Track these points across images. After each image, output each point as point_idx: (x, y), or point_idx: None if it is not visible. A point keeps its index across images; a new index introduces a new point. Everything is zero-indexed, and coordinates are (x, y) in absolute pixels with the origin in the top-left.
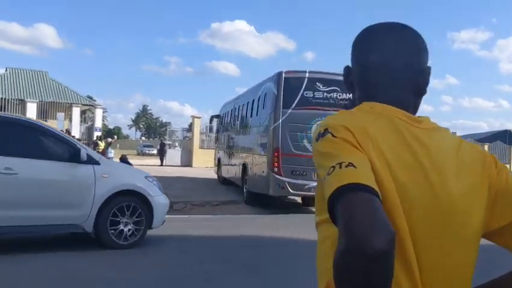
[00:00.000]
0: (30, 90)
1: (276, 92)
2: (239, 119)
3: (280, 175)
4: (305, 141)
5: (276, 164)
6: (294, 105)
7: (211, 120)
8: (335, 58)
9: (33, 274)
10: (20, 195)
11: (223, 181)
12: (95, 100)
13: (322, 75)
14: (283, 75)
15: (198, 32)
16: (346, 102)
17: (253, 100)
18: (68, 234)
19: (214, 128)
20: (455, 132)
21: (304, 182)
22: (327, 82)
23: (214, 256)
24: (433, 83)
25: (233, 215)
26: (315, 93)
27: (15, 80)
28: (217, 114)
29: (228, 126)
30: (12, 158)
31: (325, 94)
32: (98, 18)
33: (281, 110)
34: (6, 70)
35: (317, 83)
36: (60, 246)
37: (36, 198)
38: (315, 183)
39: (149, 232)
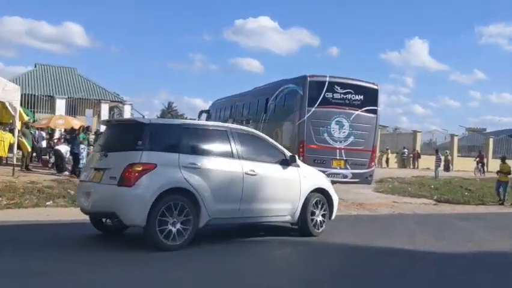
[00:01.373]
0: (59, 87)
1: (302, 93)
2: (246, 114)
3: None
4: (325, 134)
5: (301, 154)
6: (317, 104)
7: (199, 115)
8: (359, 54)
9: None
10: (259, 192)
11: None
12: (122, 97)
13: (339, 80)
14: (308, 79)
15: (222, 29)
16: (358, 102)
17: (268, 99)
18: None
19: None
20: (485, 128)
21: (324, 169)
22: (343, 86)
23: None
24: (461, 77)
25: None
26: (334, 95)
27: (44, 76)
28: (206, 109)
29: (229, 122)
30: (253, 162)
31: (342, 95)
32: (124, 17)
33: (306, 108)
34: (35, 67)
35: (336, 86)
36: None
37: (269, 194)
38: (332, 170)
39: None
